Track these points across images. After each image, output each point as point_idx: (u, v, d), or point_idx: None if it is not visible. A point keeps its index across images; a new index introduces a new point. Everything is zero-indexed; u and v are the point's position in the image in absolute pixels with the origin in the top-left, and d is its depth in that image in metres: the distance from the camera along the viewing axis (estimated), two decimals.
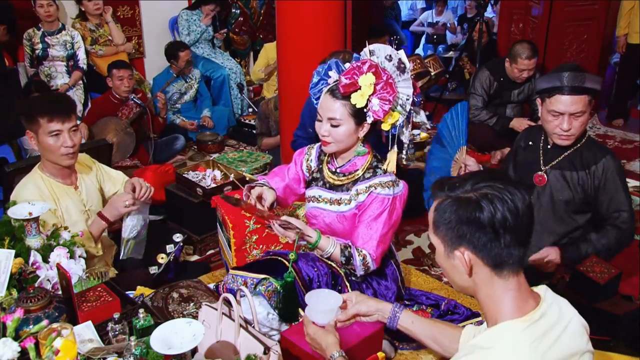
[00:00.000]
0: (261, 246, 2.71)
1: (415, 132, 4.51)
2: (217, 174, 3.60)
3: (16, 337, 1.40)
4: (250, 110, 5.63)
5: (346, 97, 1.91)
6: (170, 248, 2.63)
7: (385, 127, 1.96)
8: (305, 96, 3.27)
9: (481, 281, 1.25)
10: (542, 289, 1.31)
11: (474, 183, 1.22)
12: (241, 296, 1.80)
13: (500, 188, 1.19)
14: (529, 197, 1.21)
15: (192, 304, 2.03)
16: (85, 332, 1.67)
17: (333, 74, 1.98)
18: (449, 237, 1.24)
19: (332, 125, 1.95)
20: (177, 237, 2.68)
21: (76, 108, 2.64)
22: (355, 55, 2.02)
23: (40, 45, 4.48)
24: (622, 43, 5.26)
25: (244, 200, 2.08)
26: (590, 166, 2.29)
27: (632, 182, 3.94)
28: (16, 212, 1.99)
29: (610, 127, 5.40)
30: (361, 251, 1.95)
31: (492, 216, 1.17)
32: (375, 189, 1.95)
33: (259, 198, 2.08)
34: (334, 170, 2.10)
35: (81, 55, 4.64)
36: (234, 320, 1.56)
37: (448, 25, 7.84)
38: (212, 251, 3.43)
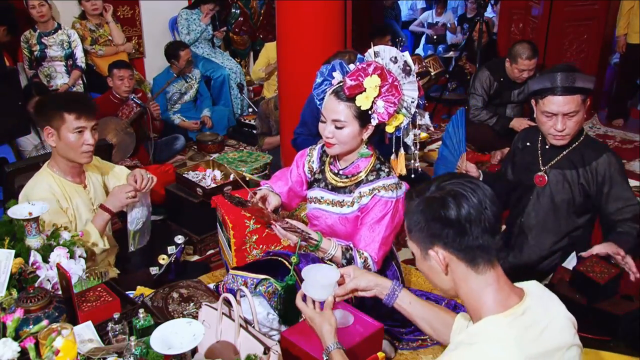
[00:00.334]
0: (261, 246, 2.71)
1: (416, 132, 4.50)
2: (217, 174, 3.60)
3: (16, 337, 1.40)
4: (250, 110, 5.63)
5: (351, 99, 1.90)
6: (171, 249, 2.63)
7: (390, 129, 1.95)
8: (306, 96, 3.27)
9: (459, 278, 1.28)
10: (530, 284, 1.33)
11: (439, 184, 1.28)
12: (241, 296, 1.80)
13: (463, 184, 1.25)
14: (490, 190, 1.27)
15: (192, 304, 2.03)
16: (85, 332, 1.67)
17: (337, 75, 1.97)
18: (421, 238, 1.29)
19: (337, 127, 1.94)
20: (179, 239, 2.69)
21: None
22: (359, 56, 2.00)
23: (37, 47, 4.48)
24: (622, 43, 5.26)
25: (249, 200, 2.06)
26: (590, 163, 2.28)
27: (632, 182, 3.94)
28: (16, 212, 1.99)
29: (610, 127, 5.40)
30: (362, 253, 1.94)
31: (457, 211, 1.22)
32: (379, 191, 1.95)
33: (263, 200, 2.07)
34: (336, 171, 2.09)
35: (79, 53, 4.63)
36: (234, 320, 1.56)
37: (448, 25, 7.84)
38: (212, 251, 3.43)
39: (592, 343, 1.87)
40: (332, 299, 1.63)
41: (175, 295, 2.07)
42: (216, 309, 1.62)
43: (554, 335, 1.25)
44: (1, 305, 1.74)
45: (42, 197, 2.23)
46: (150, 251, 2.67)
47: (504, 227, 2.77)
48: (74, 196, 2.38)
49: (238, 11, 6.05)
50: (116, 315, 1.67)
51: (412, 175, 2.02)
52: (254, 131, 4.93)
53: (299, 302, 1.65)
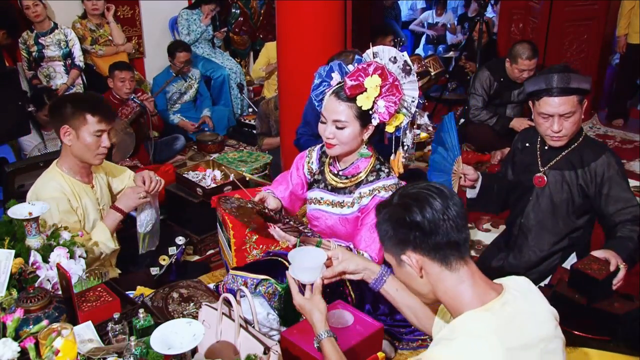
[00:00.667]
0: (261, 246, 2.71)
1: (416, 131, 4.50)
2: (217, 174, 3.60)
3: (16, 337, 1.40)
4: (250, 110, 5.63)
5: (351, 99, 1.90)
6: (172, 250, 2.64)
7: (390, 129, 1.95)
8: (306, 96, 3.26)
9: (435, 279, 1.31)
10: (511, 279, 1.36)
11: (401, 193, 1.35)
12: (241, 296, 1.80)
13: (424, 189, 1.31)
14: (453, 191, 1.32)
15: (192, 304, 2.03)
16: (85, 332, 1.67)
17: (335, 76, 1.97)
18: (392, 246, 1.33)
19: (337, 128, 1.94)
20: (180, 240, 2.70)
21: None
22: (357, 57, 2.00)
23: (35, 47, 4.48)
24: (623, 43, 5.26)
25: (246, 202, 2.06)
26: (589, 164, 2.28)
27: (632, 182, 3.94)
28: (16, 212, 1.99)
29: (610, 127, 5.40)
30: (363, 254, 1.94)
31: (421, 214, 1.27)
32: (379, 192, 1.95)
33: (261, 202, 2.07)
34: (336, 172, 2.09)
35: (77, 52, 4.63)
36: (234, 320, 1.56)
37: (448, 25, 7.84)
38: (212, 251, 3.43)
39: (592, 343, 1.87)
40: (320, 282, 1.62)
41: (175, 295, 2.07)
42: (216, 309, 1.62)
43: (535, 327, 1.27)
44: (1, 305, 1.74)
45: (53, 196, 2.25)
46: (150, 252, 2.68)
47: (503, 227, 2.78)
48: (83, 196, 2.39)
49: (238, 11, 6.05)
50: (116, 315, 1.67)
51: (409, 171, 2.02)
52: (254, 131, 4.93)
53: (292, 288, 1.64)
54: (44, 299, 1.67)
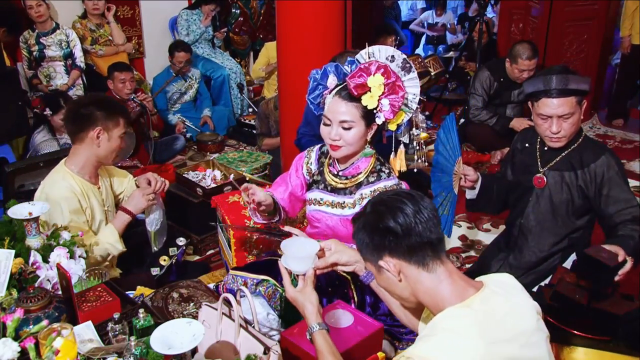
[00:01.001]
0: (261, 246, 2.71)
1: (415, 132, 4.50)
2: (217, 174, 3.60)
3: (16, 337, 1.40)
4: (250, 110, 5.63)
5: (356, 99, 1.90)
6: (172, 251, 2.64)
7: (392, 127, 1.96)
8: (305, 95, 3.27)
9: (414, 282, 1.34)
10: (492, 276, 1.39)
11: (373, 202, 1.40)
12: (241, 296, 1.80)
13: (395, 196, 1.36)
14: (423, 195, 1.37)
15: (192, 304, 2.03)
16: (85, 332, 1.67)
17: (332, 78, 1.96)
18: (370, 254, 1.38)
19: (344, 128, 1.93)
20: (181, 241, 2.71)
21: None
22: (349, 59, 2.00)
23: (36, 47, 4.48)
24: (627, 44, 5.21)
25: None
26: (588, 165, 2.27)
27: (632, 182, 3.94)
28: (16, 212, 1.99)
29: (610, 127, 5.40)
30: None
31: (393, 219, 1.31)
32: None
33: (246, 190, 2.03)
34: (335, 173, 2.09)
35: (78, 53, 4.62)
36: (234, 320, 1.56)
37: (448, 26, 7.84)
38: (212, 251, 3.43)
39: (592, 343, 1.87)
40: (313, 272, 1.62)
41: (175, 295, 2.07)
42: (216, 309, 1.62)
43: (515, 322, 1.29)
44: (1, 305, 1.74)
45: (64, 195, 2.27)
46: (151, 252, 2.68)
47: (503, 227, 2.78)
48: (91, 196, 2.41)
49: (238, 11, 6.05)
50: (116, 315, 1.67)
51: (415, 170, 2.03)
52: (254, 131, 4.93)
53: (285, 279, 1.64)
54: (44, 299, 1.67)
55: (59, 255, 1.94)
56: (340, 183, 2.06)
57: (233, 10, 6.03)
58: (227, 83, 5.58)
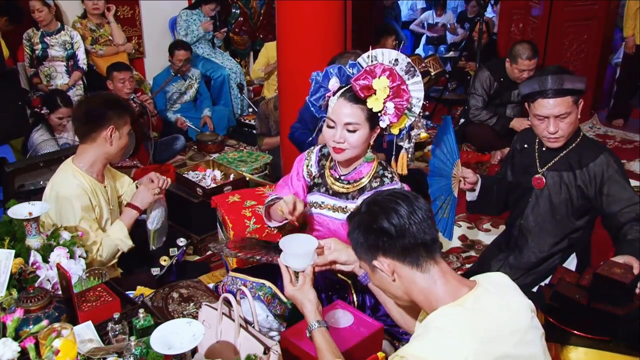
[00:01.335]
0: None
1: (415, 132, 4.50)
2: (217, 174, 3.60)
3: (16, 337, 1.40)
4: (250, 110, 5.63)
5: (362, 101, 1.88)
6: (173, 251, 2.65)
7: (395, 131, 1.93)
8: (305, 96, 3.26)
9: (407, 282, 1.35)
10: (486, 275, 1.39)
11: (367, 202, 1.41)
12: (241, 297, 1.80)
13: (389, 196, 1.37)
14: (417, 195, 1.38)
15: (192, 304, 2.03)
16: (85, 332, 1.67)
17: (334, 81, 1.94)
18: (364, 254, 1.39)
19: (349, 131, 1.91)
20: (181, 242, 2.71)
21: None
22: (351, 61, 1.98)
23: (39, 46, 4.49)
24: (632, 44, 5.18)
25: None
26: (587, 165, 2.27)
27: (632, 182, 3.94)
28: (16, 212, 1.99)
29: (610, 127, 5.39)
30: None
31: (387, 220, 1.32)
32: None
33: (294, 209, 1.94)
34: (337, 177, 2.07)
35: (81, 55, 4.64)
36: (234, 320, 1.56)
37: (448, 26, 7.84)
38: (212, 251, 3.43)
39: (592, 343, 1.87)
40: (311, 269, 1.63)
41: (175, 295, 2.07)
42: (216, 309, 1.62)
43: (509, 319, 1.30)
44: (1, 305, 1.74)
45: (75, 192, 2.29)
46: (151, 252, 2.68)
47: (503, 227, 2.77)
48: (99, 194, 2.43)
49: (238, 11, 6.05)
50: (116, 315, 1.67)
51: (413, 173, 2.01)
52: (254, 131, 4.93)
53: (284, 277, 1.64)
54: (44, 299, 1.67)
55: (59, 255, 1.94)
56: (343, 187, 2.05)
57: (233, 10, 6.03)
58: (227, 83, 5.58)
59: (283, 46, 3.67)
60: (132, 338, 1.53)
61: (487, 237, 3.57)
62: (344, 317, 1.77)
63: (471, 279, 1.38)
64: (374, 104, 1.86)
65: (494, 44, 5.84)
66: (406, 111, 1.91)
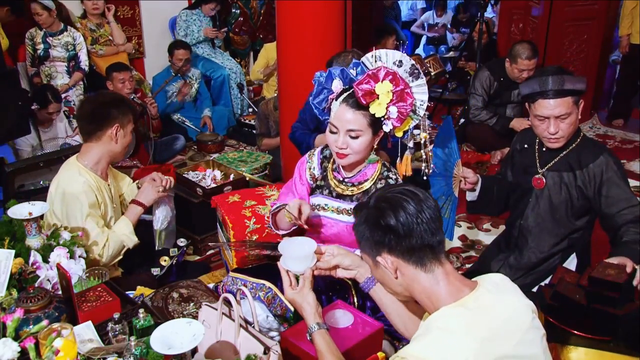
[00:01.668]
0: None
1: (416, 131, 4.50)
2: (217, 174, 3.60)
3: (16, 337, 1.40)
4: (250, 110, 5.63)
5: (364, 107, 1.85)
6: (173, 251, 2.65)
7: (399, 133, 1.92)
8: (305, 96, 3.26)
9: (410, 280, 1.35)
10: (487, 276, 1.39)
11: (377, 196, 1.40)
12: (241, 297, 1.80)
13: (399, 193, 1.36)
14: (427, 194, 1.36)
15: (192, 304, 2.03)
16: (85, 332, 1.67)
17: (337, 83, 1.91)
18: (368, 248, 1.38)
19: (351, 137, 1.90)
20: (181, 242, 2.71)
21: None
22: (355, 60, 1.95)
23: (41, 46, 4.49)
24: (625, 43, 5.21)
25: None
26: (587, 165, 2.27)
27: (632, 182, 3.94)
28: (16, 212, 1.99)
29: (610, 127, 5.39)
30: None
31: (395, 218, 1.31)
32: None
33: (299, 214, 1.94)
34: (341, 179, 2.06)
35: (83, 56, 4.64)
36: (234, 320, 1.56)
37: (448, 26, 7.84)
38: (212, 251, 3.43)
39: (592, 343, 1.87)
40: (311, 272, 1.62)
41: (175, 295, 2.07)
42: (216, 309, 1.62)
43: (509, 320, 1.30)
44: (1, 305, 1.74)
45: (82, 189, 2.31)
46: (152, 253, 2.68)
47: (503, 227, 2.78)
48: (104, 192, 2.45)
49: (238, 11, 6.04)
50: (116, 315, 1.67)
51: (424, 177, 2.02)
52: (254, 131, 4.94)
53: (284, 281, 1.64)
54: (44, 299, 1.67)
55: (59, 255, 1.94)
56: (347, 190, 2.04)
57: (233, 10, 6.03)
58: (227, 83, 5.58)
59: (283, 46, 3.67)
60: (132, 338, 1.53)
61: (487, 237, 3.57)
62: (344, 317, 1.77)
63: (473, 279, 1.38)
64: (377, 109, 1.83)
65: (494, 44, 5.84)
66: (411, 114, 1.90)
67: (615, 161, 2.27)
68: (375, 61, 1.89)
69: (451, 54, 7.00)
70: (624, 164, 4.21)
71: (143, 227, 2.63)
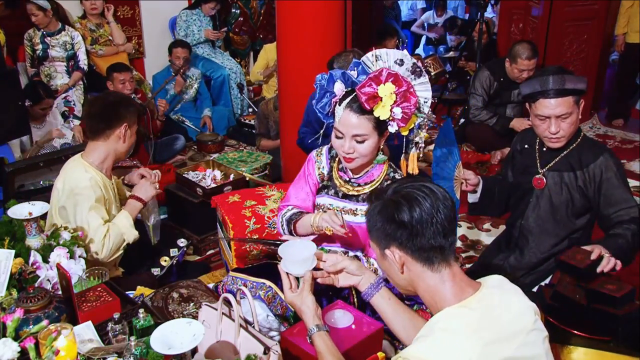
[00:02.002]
0: (261, 247, 2.70)
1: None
2: (217, 174, 3.60)
3: (16, 337, 1.40)
4: (250, 110, 5.63)
5: (368, 111, 1.84)
6: (173, 252, 2.65)
7: (404, 132, 1.90)
8: (306, 96, 3.26)
9: (416, 276, 1.35)
10: (491, 278, 1.39)
11: (395, 187, 1.37)
12: (241, 297, 1.80)
13: (418, 188, 1.33)
14: (446, 194, 1.34)
15: (192, 304, 2.03)
16: (85, 332, 1.67)
17: (339, 86, 1.90)
18: (379, 238, 1.37)
19: (357, 142, 1.89)
20: (182, 242, 2.71)
21: None
22: (355, 60, 1.94)
23: (40, 46, 4.49)
24: (621, 42, 5.24)
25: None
26: (587, 165, 2.27)
27: (632, 182, 3.94)
28: (16, 212, 1.99)
29: (610, 127, 5.39)
30: (372, 264, 1.93)
31: (409, 214, 1.30)
32: None
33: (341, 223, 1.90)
34: (347, 179, 2.05)
35: (82, 56, 4.64)
36: (234, 320, 1.56)
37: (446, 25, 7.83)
38: (212, 251, 3.43)
39: (592, 343, 1.87)
40: (310, 275, 1.63)
41: (175, 295, 2.07)
42: (216, 309, 1.62)
43: (511, 321, 1.30)
44: (1, 305, 1.74)
45: (89, 185, 2.33)
46: (152, 253, 2.68)
47: (503, 227, 2.77)
48: (108, 189, 2.47)
49: (238, 11, 6.04)
50: (116, 315, 1.67)
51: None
52: (254, 131, 4.94)
53: (284, 284, 1.64)
54: (44, 299, 1.67)
55: (59, 255, 1.94)
56: (353, 190, 2.03)
57: (233, 10, 6.03)
58: (227, 83, 5.58)
59: (283, 46, 3.67)
60: (132, 338, 1.53)
61: (487, 237, 3.57)
62: (344, 317, 1.77)
63: (479, 280, 1.38)
64: (381, 112, 1.82)
65: (494, 44, 5.84)
66: (415, 111, 1.89)
67: (616, 162, 2.27)
68: (376, 60, 1.89)
69: (451, 54, 7.00)
70: (624, 164, 4.22)
71: (142, 226, 2.64)
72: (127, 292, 1.99)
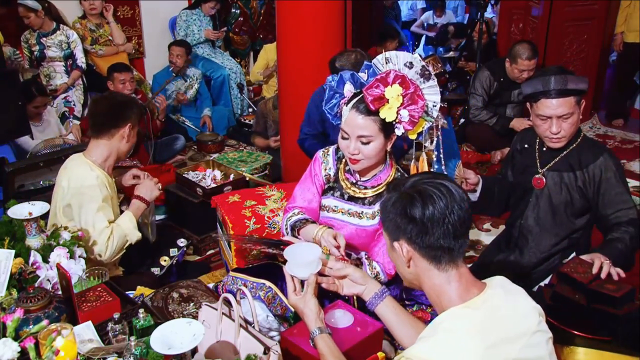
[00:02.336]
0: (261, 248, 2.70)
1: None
2: (217, 174, 3.60)
3: (16, 337, 1.40)
4: (251, 110, 5.63)
5: (374, 112, 1.83)
6: (173, 252, 2.65)
7: (412, 136, 1.90)
8: (306, 96, 3.26)
9: (422, 272, 1.35)
10: (495, 279, 1.38)
11: (415, 181, 1.35)
12: (241, 297, 1.80)
13: (436, 186, 1.31)
14: (464, 195, 1.32)
15: (192, 304, 2.03)
16: (85, 332, 1.67)
17: (348, 87, 1.89)
18: (389, 229, 1.37)
19: (363, 143, 1.88)
20: (182, 242, 2.72)
21: None
22: (366, 63, 1.93)
23: (37, 47, 4.49)
24: (619, 41, 5.23)
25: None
26: (587, 166, 2.27)
27: (632, 182, 3.94)
28: (16, 212, 1.99)
29: (610, 127, 5.39)
30: (375, 267, 1.93)
31: (421, 211, 1.28)
32: None
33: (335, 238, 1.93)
34: (354, 181, 2.04)
35: (79, 54, 4.63)
36: (234, 320, 1.56)
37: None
38: (212, 251, 3.43)
39: (592, 343, 1.87)
40: (315, 278, 1.63)
41: (175, 295, 2.07)
42: (216, 309, 1.62)
43: (515, 322, 1.29)
44: (1, 305, 1.74)
45: (95, 183, 2.35)
46: (152, 253, 2.68)
47: (503, 227, 2.77)
48: (110, 187, 2.48)
49: (238, 11, 6.05)
50: (116, 315, 1.67)
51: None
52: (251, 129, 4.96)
53: (289, 286, 1.64)
54: (44, 299, 1.67)
55: (59, 255, 1.94)
56: (360, 193, 2.02)
57: (233, 10, 6.03)
58: (227, 83, 5.58)
59: (283, 46, 3.67)
60: (132, 338, 1.53)
61: (487, 237, 3.57)
62: (344, 317, 1.77)
63: (484, 280, 1.37)
64: (387, 113, 1.81)
65: (494, 44, 5.84)
66: (423, 115, 1.87)
67: (615, 162, 2.27)
68: (386, 63, 1.87)
69: (451, 54, 6.99)
70: (624, 164, 4.22)
71: (142, 225, 2.64)
72: (127, 292, 1.99)
